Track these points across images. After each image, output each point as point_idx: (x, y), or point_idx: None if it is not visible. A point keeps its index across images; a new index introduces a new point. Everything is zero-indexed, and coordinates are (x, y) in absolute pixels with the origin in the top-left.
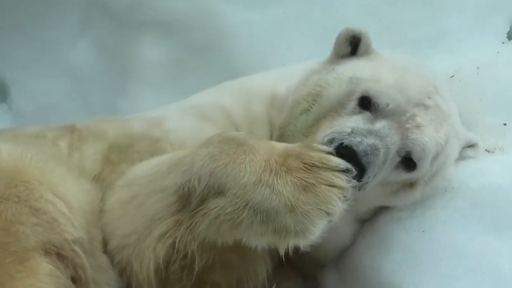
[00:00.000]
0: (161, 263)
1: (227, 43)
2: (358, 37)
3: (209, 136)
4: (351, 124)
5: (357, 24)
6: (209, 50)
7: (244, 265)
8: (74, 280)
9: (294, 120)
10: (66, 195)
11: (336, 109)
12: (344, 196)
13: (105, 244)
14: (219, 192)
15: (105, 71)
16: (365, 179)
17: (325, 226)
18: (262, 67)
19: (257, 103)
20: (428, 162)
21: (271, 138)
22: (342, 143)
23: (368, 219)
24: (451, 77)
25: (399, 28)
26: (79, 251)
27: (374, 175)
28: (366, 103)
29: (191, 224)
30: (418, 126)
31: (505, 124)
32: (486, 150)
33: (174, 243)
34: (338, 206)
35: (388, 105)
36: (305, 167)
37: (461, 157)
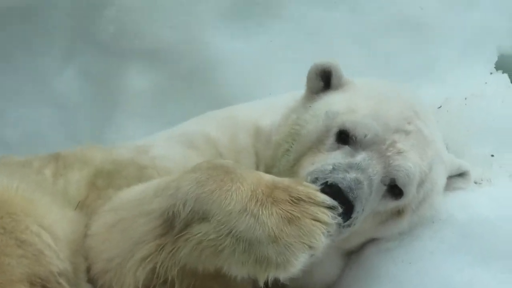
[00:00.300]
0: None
1: (214, 72)
2: (329, 71)
3: (196, 163)
4: (331, 161)
5: (325, 58)
6: (196, 79)
7: None
8: None
9: (278, 162)
10: (51, 226)
11: (316, 145)
12: (328, 232)
13: (88, 268)
14: (204, 218)
15: (91, 100)
16: (354, 214)
17: (307, 260)
18: (249, 96)
19: (243, 135)
20: (414, 188)
21: (257, 170)
22: (327, 181)
23: (355, 251)
24: (439, 107)
25: (387, 58)
26: (64, 283)
27: (363, 209)
28: (344, 137)
29: (173, 249)
30: (399, 152)
31: (492, 155)
32: (474, 181)
33: (154, 267)
34: (322, 241)
35: (365, 135)
36: (291, 200)
37: (451, 188)
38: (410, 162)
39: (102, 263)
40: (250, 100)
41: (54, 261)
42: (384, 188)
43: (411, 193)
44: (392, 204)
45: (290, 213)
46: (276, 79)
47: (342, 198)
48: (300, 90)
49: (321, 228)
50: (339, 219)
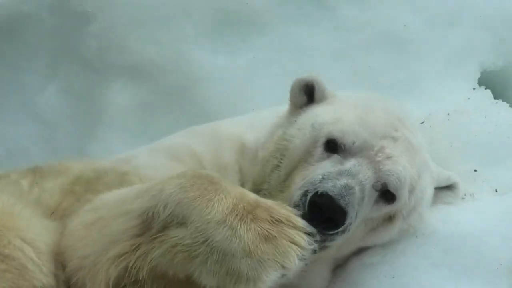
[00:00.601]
0: (111, 286)
1: (197, 88)
2: (311, 85)
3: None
4: (320, 171)
5: (308, 72)
6: (179, 94)
7: None
8: None
9: (267, 178)
10: (33, 239)
11: (305, 158)
12: (303, 255)
13: (64, 266)
14: (182, 223)
15: (74, 116)
16: (348, 220)
17: (277, 279)
18: (232, 112)
19: (227, 151)
20: (406, 192)
21: (243, 187)
22: (317, 191)
23: (340, 265)
24: (422, 123)
25: (370, 74)
26: None
27: (356, 215)
28: (332, 146)
29: (147, 249)
30: (389, 157)
31: (475, 171)
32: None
33: (127, 266)
34: (295, 263)
35: (354, 142)
36: (271, 220)
37: (440, 201)
38: (400, 166)
39: (77, 260)
40: (233, 116)
41: (37, 276)
42: (376, 193)
43: (403, 197)
44: (385, 209)
45: (268, 231)
46: (259, 94)
47: (334, 206)
48: (283, 105)
49: (297, 251)
50: (315, 246)
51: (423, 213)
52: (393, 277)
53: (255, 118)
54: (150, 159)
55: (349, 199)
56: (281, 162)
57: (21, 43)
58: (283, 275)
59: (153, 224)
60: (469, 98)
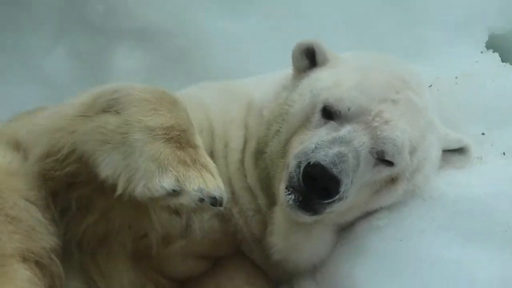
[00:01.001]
0: (43, 154)
1: (204, 51)
2: (312, 48)
3: None
4: (314, 139)
5: (307, 37)
6: (186, 58)
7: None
8: None
9: (270, 142)
10: (37, 198)
11: (304, 124)
12: (200, 199)
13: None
14: (118, 112)
15: (80, 79)
16: (342, 187)
17: (167, 197)
18: (239, 75)
19: (234, 106)
20: (406, 156)
21: (245, 143)
22: (309, 162)
23: (346, 228)
24: (430, 86)
25: (378, 38)
26: (56, 259)
27: (351, 181)
28: (328, 113)
29: (77, 126)
30: (386, 122)
31: (483, 134)
32: None
33: (60, 137)
34: (193, 190)
35: (349, 108)
36: (195, 160)
37: (451, 165)
38: (397, 131)
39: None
40: (242, 78)
41: (45, 237)
42: (375, 159)
43: (403, 161)
44: (385, 171)
45: (185, 159)
46: (266, 58)
47: (326, 175)
48: (289, 68)
49: (201, 185)
50: (218, 209)
51: (429, 174)
52: (400, 240)
53: (264, 79)
54: None
55: (341, 167)
56: (281, 127)
57: (27, 6)
58: (175, 192)
59: (95, 104)
60: (477, 62)
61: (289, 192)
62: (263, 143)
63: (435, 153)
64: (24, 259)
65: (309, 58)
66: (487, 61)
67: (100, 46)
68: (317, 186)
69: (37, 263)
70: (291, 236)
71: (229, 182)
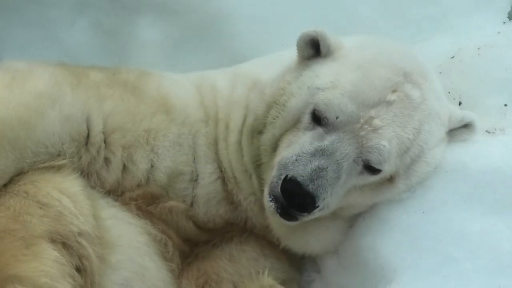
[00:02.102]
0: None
1: (226, 24)
2: (317, 39)
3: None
4: (296, 149)
5: (313, 26)
6: (208, 31)
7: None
8: (78, 269)
9: (266, 128)
10: (70, 191)
11: (295, 122)
12: None
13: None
14: None
15: (102, 52)
16: (319, 202)
17: None
18: (260, 48)
19: (240, 87)
20: (393, 162)
21: (244, 121)
22: (287, 175)
23: None
24: (452, 57)
25: (400, 9)
26: (85, 242)
27: (331, 193)
28: (317, 118)
29: None
30: (375, 130)
31: (505, 105)
32: (486, 131)
33: None
34: None
35: (337, 117)
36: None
37: (456, 139)
38: (384, 140)
39: None
40: (261, 52)
41: (74, 222)
42: (360, 166)
43: (390, 167)
44: (371, 178)
45: None
46: (290, 32)
47: (301, 191)
48: None
49: None
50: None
51: (430, 160)
52: (423, 213)
53: (274, 58)
54: (180, 77)
55: (318, 183)
56: (277, 117)
57: None
58: None
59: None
60: (499, 32)
61: (271, 199)
62: (260, 122)
63: (434, 139)
64: (52, 241)
65: (314, 48)
66: (509, 32)
67: (121, 18)
68: (294, 200)
69: (65, 245)
70: (293, 231)
71: (229, 166)
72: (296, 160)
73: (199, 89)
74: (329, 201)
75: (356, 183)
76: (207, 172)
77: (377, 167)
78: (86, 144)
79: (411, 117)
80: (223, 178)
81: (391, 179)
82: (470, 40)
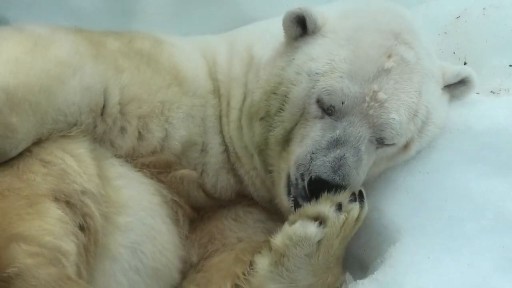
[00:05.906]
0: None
1: None
2: (302, 16)
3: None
4: (310, 145)
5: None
6: None
7: None
8: (82, 228)
9: (271, 120)
10: (74, 150)
11: (302, 113)
12: None
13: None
14: None
15: (107, 11)
16: (351, 183)
17: None
18: (267, 7)
19: (238, 63)
20: (406, 129)
21: (244, 100)
22: (311, 177)
23: None
24: (457, 18)
25: None
26: (88, 201)
27: (358, 174)
28: (323, 106)
29: None
30: (381, 105)
31: (510, 66)
32: (491, 91)
33: None
34: None
35: (343, 103)
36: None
37: (455, 97)
38: (393, 112)
39: None
40: (267, 12)
41: (77, 180)
42: (376, 143)
43: (404, 135)
44: (389, 150)
45: None
46: None
47: (331, 186)
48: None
49: None
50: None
51: (437, 120)
52: (427, 173)
53: (263, 27)
54: (186, 43)
55: (343, 171)
56: (282, 108)
57: None
58: None
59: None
60: None
61: (293, 198)
62: (258, 108)
63: (434, 98)
64: (56, 199)
65: (301, 25)
66: None
67: None
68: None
69: (68, 203)
70: None
71: (231, 142)
72: (312, 158)
73: (204, 54)
74: (358, 180)
75: (376, 158)
76: (216, 142)
77: (391, 142)
78: (102, 114)
79: (410, 80)
80: (227, 150)
81: (407, 146)
82: (476, 1)
